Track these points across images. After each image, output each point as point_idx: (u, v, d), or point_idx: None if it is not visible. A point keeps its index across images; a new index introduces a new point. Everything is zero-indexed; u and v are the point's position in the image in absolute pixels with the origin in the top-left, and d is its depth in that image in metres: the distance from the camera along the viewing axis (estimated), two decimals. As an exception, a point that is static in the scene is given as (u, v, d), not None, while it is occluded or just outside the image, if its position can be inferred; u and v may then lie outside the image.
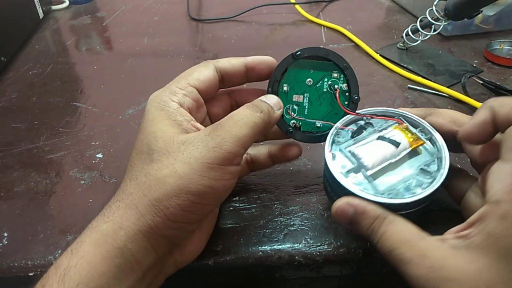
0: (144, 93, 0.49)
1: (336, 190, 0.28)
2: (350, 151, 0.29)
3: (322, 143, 0.31)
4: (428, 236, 0.23)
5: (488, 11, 0.57)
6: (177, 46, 0.62)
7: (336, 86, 0.31)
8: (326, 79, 0.32)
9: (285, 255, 0.30)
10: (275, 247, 0.30)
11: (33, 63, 0.59)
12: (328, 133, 0.30)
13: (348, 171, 0.28)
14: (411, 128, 0.30)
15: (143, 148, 0.26)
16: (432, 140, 0.29)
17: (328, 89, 0.32)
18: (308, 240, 0.30)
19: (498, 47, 0.55)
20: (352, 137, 0.30)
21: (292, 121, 0.32)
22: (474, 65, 0.52)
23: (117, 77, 0.54)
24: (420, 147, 0.28)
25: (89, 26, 0.71)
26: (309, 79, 0.31)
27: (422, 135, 0.29)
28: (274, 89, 0.31)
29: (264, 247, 0.30)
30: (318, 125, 0.32)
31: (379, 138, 0.29)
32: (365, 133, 0.30)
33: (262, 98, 0.29)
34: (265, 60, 0.31)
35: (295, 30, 0.66)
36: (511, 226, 0.20)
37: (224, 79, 0.31)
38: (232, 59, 0.31)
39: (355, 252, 0.29)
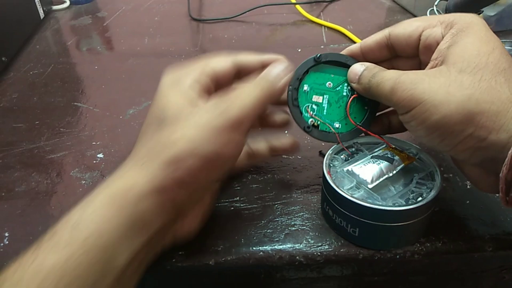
0: (144, 93, 0.50)
1: (341, 210, 0.28)
2: (347, 170, 0.30)
3: (337, 144, 0.32)
4: None
5: (489, 11, 0.57)
6: (178, 46, 0.62)
7: (355, 92, 0.32)
8: (346, 84, 0.32)
9: (286, 255, 0.30)
10: (276, 247, 0.30)
11: (34, 63, 0.59)
12: (345, 134, 0.32)
13: (349, 189, 0.28)
14: (399, 149, 0.31)
15: (153, 120, 0.28)
16: (421, 158, 0.30)
17: (348, 93, 0.32)
18: (309, 240, 0.30)
19: (499, 47, 0.55)
20: (346, 161, 0.31)
21: (310, 120, 0.32)
22: (475, 65, 0.52)
23: (118, 77, 0.54)
24: (411, 164, 0.30)
25: (90, 26, 0.71)
26: (329, 82, 0.32)
27: (411, 154, 0.30)
28: (294, 86, 0.32)
29: (265, 247, 0.30)
30: (337, 125, 0.32)
31: (372, 157, 0.30)
32: (357, 157, 0.31)
33: (268, 68, 0.30)
34: (279, 59, 0.32)
35: (295, 30, 0.66)
36: None
37: (241, 73, 0.32)
38: (251, 55, 0.32)
39: (356, 252, 0.29)
